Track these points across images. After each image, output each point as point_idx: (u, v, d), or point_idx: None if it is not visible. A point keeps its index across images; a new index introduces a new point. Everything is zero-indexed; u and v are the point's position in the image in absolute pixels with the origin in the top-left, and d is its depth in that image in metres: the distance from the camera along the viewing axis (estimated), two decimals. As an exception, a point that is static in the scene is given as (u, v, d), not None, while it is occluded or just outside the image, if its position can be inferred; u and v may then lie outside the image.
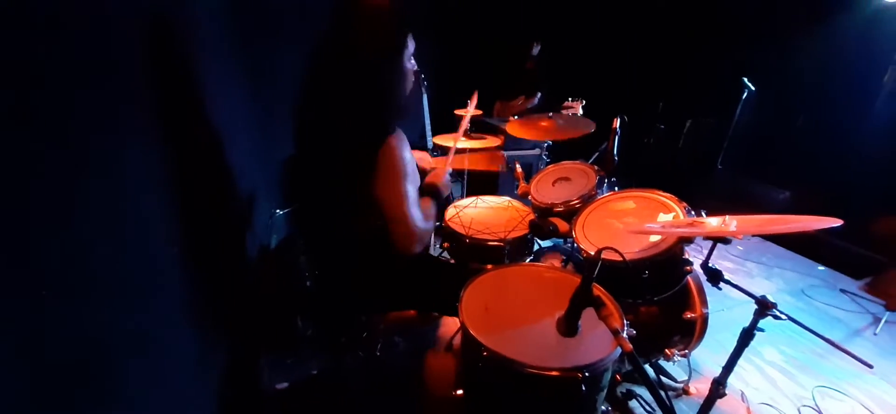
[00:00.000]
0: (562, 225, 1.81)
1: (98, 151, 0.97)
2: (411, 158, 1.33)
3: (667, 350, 1.81)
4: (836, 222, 1.09)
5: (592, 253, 1.50)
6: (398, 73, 1.31)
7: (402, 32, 1.30)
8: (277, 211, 2.24)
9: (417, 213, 1.34)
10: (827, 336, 1.42)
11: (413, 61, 1.38)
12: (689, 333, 1.80)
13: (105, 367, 0.96)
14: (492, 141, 2.83)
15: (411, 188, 1.31)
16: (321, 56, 1.30)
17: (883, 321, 2.50)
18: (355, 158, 1.26)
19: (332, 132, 1.30)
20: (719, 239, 1.34)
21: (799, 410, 1.93)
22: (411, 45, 1.34)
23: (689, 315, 1.76)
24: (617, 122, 1.98)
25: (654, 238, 1.55)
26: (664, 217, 1.63)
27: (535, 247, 2.25)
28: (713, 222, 1.28)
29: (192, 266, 1.37)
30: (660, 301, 1.68)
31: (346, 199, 1.35)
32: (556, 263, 2.04)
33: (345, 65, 1.26)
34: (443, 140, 2.84)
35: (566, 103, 2.74)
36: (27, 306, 0.77)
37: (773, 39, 3.56)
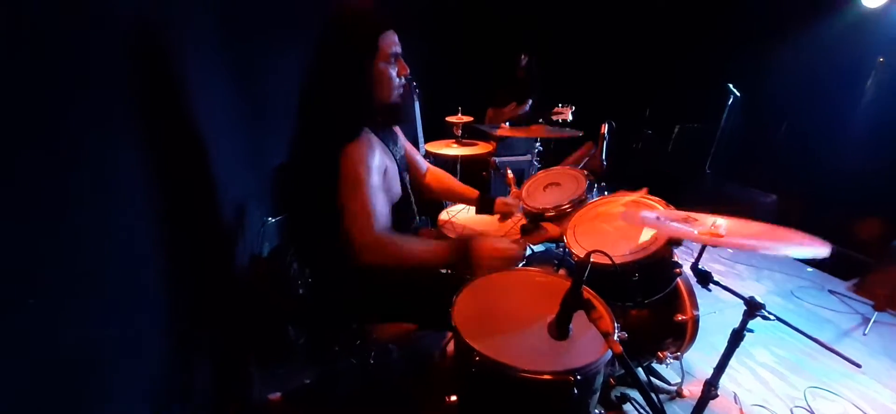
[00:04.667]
0: (553, 229, 1.82)
1: (86, 157, 0.96)
2: (376, 163, 1.28)
3: (659, 352, 1.81)
4: (825, 249, 1.09)
5: (582, 256, 1.51)
6: (359, 75, 1.27)
7: (368, 35, 1.27)
8: (269, 219, 2.23)
9: (373, 222, 1.25)
10: (816, 337, 1.43)
11: (396, 63, 1.33)
12: (681, 335, 1.81)
13: (91, 375, 0.95)
14: (484, 147, 2.85)
15: (371, 195, 1.25)
16: (309, 64, 1.31)
17: (871, 321, 2.53)
18: (321, 164, 1.25)
19: (309, 138, 1.30)
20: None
21: (791, 411, 1.94)
22: (395, 48, 1.31)
23: (679, 317, 1.78)
24: (605, 128, 2.00)
25: (644, 240, 1.56)
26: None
27: (527, 251, 2.25)
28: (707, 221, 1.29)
29: (182, 275, 1.36)
30: (650, 304, 1.69)
31: (324, 206, 1.34)
32: (548, 267, 2.05)
33: (316, 67, 1.27)
34: (435, 147, 2.85)
35: (556, 110, 2.77)
36: (13, 310, 0.76)
37: (757, 45, 3.63)
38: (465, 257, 1.35)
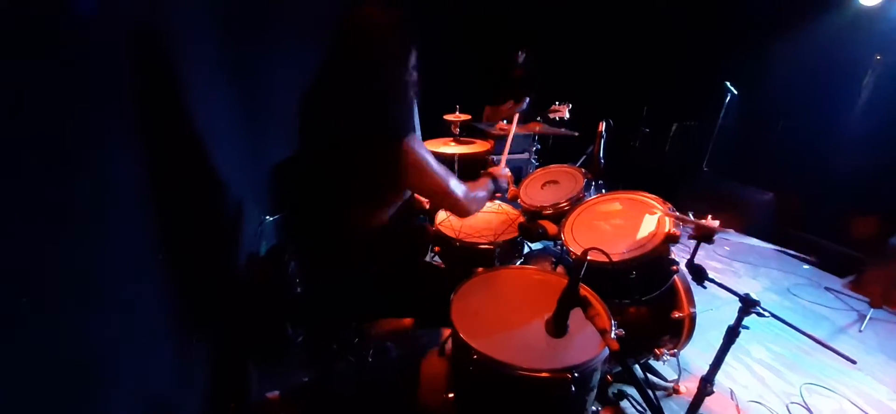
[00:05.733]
0: (551, 227, 1.83)
1: (83, 156, 0.96)
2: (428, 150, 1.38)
3: (656, 349, 1.82)
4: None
5: (580, 254, 1.52)
6: (405, 78, 1.33)
7: (411, 41, 1.33)
8: (267, 218, 2.23)
9: (459, 186, 1.43)
10: (812, 333, 1.44)
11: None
12: (678, 332, 1.82)
13: (89, 375, 0.95)
14: (481, 145, 2.85)
15: (442, 170, 1.37)
16: (331, 66, 1.31)
17: (867, 318, 2.55)
18: (373, 162, 1.28)
19: (343, 137, 1.31)
20: (703, 238, 1.37)
21: (787, 407, 1.95)
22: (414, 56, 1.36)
23: (676, 314, 1.78)
24: (602, 126, 2.01)
25: (641, 237, 1.57)
26: (650, 219, 1.65)
27: (525, 250, 2.26)
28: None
29: (180, 274, 1.36)
30: (648, 301, 1.70)
31: (354, 201, 1.37)
32: (546, 265, 2.05)
33: (357, 73, 1.27)
34: (433, 146, 2.84)
35: (553, 107, 2.77)
36: (10, 311, 0.76)
37: (755, 44, 3.63)
38: (497, 184, 1.68)
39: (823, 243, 3.23)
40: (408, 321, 1.71)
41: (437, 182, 1.36)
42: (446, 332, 1.75)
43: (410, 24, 1.31)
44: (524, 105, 4.05)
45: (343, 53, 1.29)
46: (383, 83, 1.28)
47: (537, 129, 2.85)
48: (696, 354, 2.15)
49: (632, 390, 1.90)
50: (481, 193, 1.59)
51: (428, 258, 2.35)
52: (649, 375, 2.04)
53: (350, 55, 1.28)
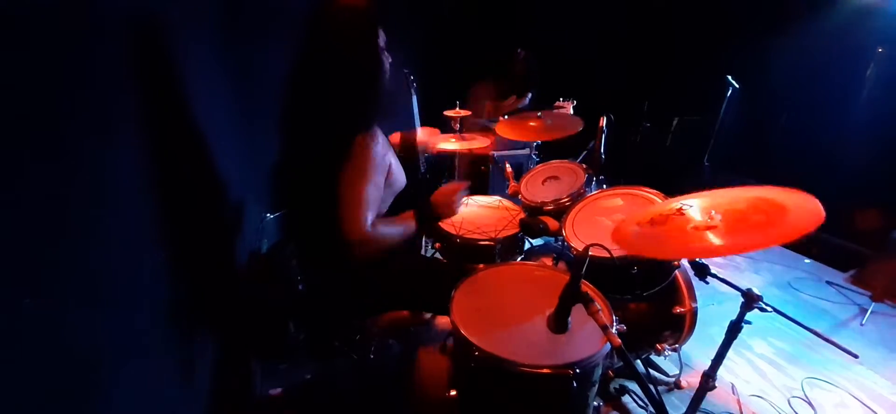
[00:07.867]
0: (552, 223, 1.83)
1: (83, 155, 0.96)
2: (382, 158, 1.31)
3: (657, 345, 1.82)
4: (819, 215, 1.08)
5: (581, 250, 1.52)
6: (369, 69, 1.30)
7: (373, 29, 1.29)
8: (267, 215, 2.23)
9: (367, 217, 1.28)
10: (814, 328, 1.44)
11: (387, 55, 1.36)
12: (679, 327, 1.82)
13: (91, 374, 0.95)
14: (482, 141, 2.84)
15: (371, 190, 1.28)
16: (299, 58, 1.30)
17: (869, 312, 2.54)
18: (329, 157, 1.26)
19: (312, 132, 1.30)
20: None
21: (789, 401, 1.96)
22: (382, 40, 1.33)
23: (678, 310, 1.78)
24: (603, 121, 2.00)
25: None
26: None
27: (526, 246, 2.26)
28: (696, 212, 1.29)
29: (182, 272, 1.36)
30: (649, 296, 1.70)
31: (329, 199, 1.35)
32: (547, 261, 2.05)
33: (319, 64, 1.26)
34: (433, 142, 2.83)
35: (557, 104, 2.77)
36: (8, 311, 0.76)
37: (756, 37, 3.61)
38: (430, 213, 1.50)
39: (825, 237, 3.22)
40: (405, 313, 1.72)
41: (354, 199, 1.24)
42: (445, 325, 1.75)
43: (372, 9, 1.27)
44: (527, 100, 4.03)
45: (309, 49, 1.28)
46: (345, 73, 1.25)
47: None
48: (698, 348, 2.15)
49: (633, 385, 1.90)
50: (394, 232, 1.40)
51: (428, 253, 2.35)
52: (651, 370, 2.04)
53: (315, 51, 1.27)
